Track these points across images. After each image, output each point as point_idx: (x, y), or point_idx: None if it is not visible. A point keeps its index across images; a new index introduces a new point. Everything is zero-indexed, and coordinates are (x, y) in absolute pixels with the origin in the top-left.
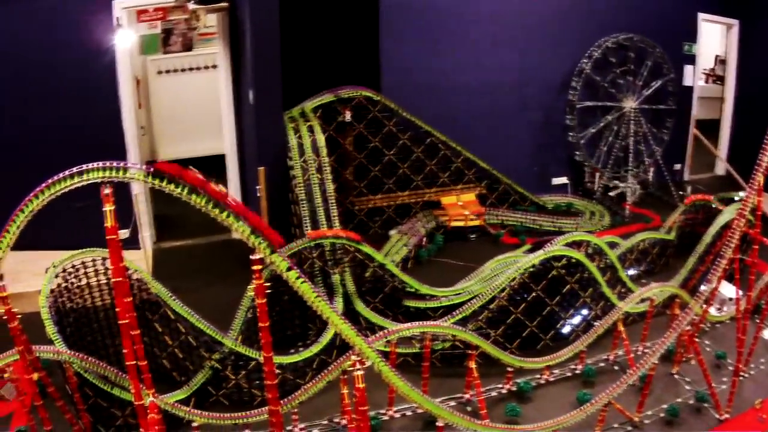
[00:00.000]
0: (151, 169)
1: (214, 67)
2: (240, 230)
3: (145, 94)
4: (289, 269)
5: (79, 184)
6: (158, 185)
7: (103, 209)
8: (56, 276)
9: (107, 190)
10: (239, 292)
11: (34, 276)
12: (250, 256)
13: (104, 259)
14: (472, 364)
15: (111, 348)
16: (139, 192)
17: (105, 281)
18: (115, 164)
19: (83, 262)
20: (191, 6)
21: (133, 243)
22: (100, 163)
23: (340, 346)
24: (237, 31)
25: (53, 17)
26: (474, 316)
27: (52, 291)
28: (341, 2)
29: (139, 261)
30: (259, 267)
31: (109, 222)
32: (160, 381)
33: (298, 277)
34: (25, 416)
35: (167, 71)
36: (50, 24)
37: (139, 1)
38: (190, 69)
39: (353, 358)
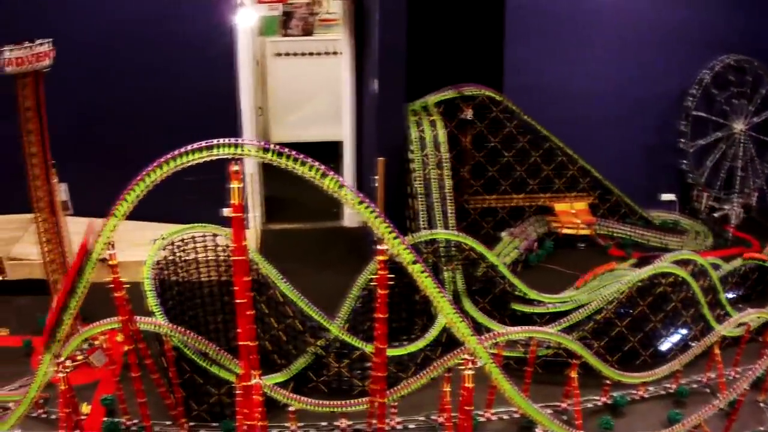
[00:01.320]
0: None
1: (334, 53)
2: (365, 216)
3: (261, 75)
4: (414, 262)
5: (207, 159)
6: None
7: (230, 186)
8: (163, 248)
9: (236, 167)
10: (345, 280)
11: (132, 246)
12: (377, 246)
13: (215, 235)
14: (574, 374)
15: (212, 325)
16: (253, 172)
17: (213, 257)
18: (246, 142)
19: (193, 237)
20: None
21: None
22: (231, 140)
23: (445, 343)
24: (362, 20)
25: None
26: (579, 326)
27: (157, 263)
28: (469, 1)
29: (247, 241)
30: (384, 257)
31: (235, 199)
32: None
33: (422, 271)
34: (113, 385)
35: (285, 54)
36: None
37: None
38: (309, 54)
39: (465, 356)
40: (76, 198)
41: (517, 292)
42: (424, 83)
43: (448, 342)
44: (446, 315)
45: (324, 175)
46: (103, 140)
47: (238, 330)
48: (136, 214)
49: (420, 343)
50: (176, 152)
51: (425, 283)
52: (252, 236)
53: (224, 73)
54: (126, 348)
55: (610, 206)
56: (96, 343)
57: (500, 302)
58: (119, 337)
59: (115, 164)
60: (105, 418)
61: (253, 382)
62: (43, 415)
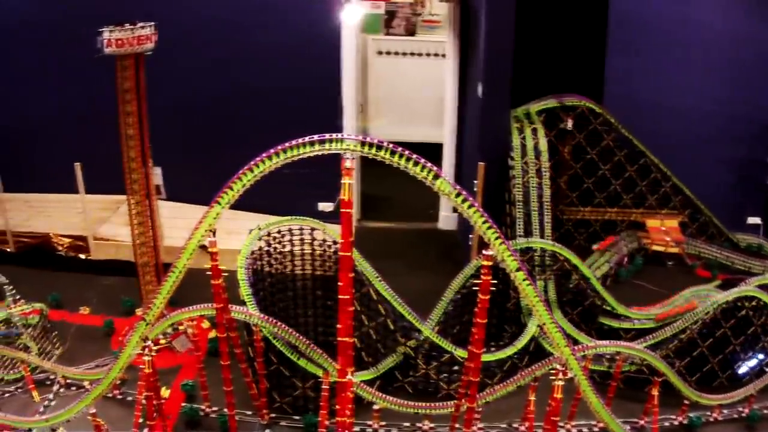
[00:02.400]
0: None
1: (436, 55)
2: (474, 221)
3: (363, 72)
4: (518, 269)
5: (318, 153)
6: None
7: (342, 181)
8: (259, 239)
9: (348, 163)
10: (436, 282)
11: (225, 235)
12: (483, 251)
13: (312, 229)
14: (655, 392)
15: (301, 318)
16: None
17: (309, 251)
18: (360, 138)
19: (290, 229)
20: None
21: (336, 217)
22: (344, 135)
23: (533, 352)
24: (468, 23)
25: None
26: (664, 344)
27: (252, 252)
28: (573, 10)
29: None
30: (489, 263)
31: (346, 195)
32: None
33: (524, 279)
34: (194, 371)
35: (387, 53)
36: None
37: None
38: (411, 54)
39: (557, 367)
40: (168, 183)
41: (605, 306)
42: (525, 90)
43: (535, 351)
44: (545, 324)
45: (436, 177)
46: (200, 128)
47: (338, 326)
48: (232, 204)
49: (509, 351)
50: (287, 144)
51: (527, 291)
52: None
53: (328, 68)
54: (218, 336)
55: (699, 226)
56: (180, 328)
57: (589, 315)
58: (205, 324)
59: (211, 152)
60: (184, 404)
61: (347, 379)
62: (119, 396)
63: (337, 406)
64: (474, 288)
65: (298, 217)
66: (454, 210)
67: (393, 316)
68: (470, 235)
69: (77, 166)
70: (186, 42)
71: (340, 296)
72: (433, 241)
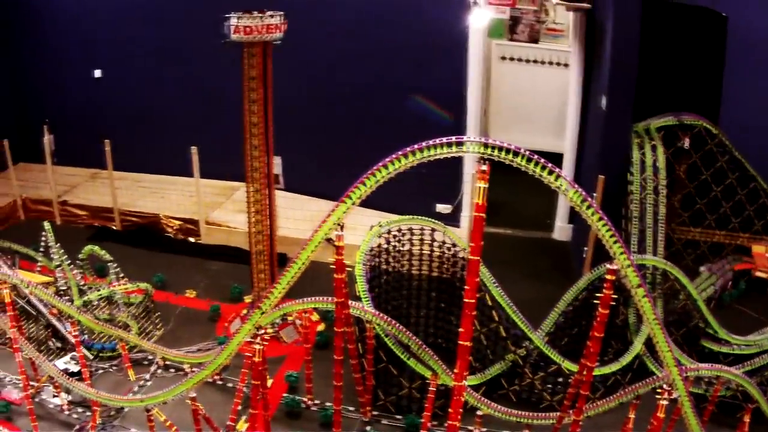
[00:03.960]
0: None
1: (558, 63)
2: (602, 234)
3: (486, 77)
4: (639, 285)
5: (454, 155)
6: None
7: (477, 185)
8: (379, 236)
9: (484, 167)
10: (547, 292)
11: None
12: (607, 265)
13: (433, 230)
14: (747, 418)
15: (413, 318)
16: (474, 173)
17: (427, 252)
18: (498, 143)
19: (410, 228)
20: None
21: (453, 220)
22: (484, 139)
23: (636, 370)
24: (593, 33)
25: None
26: (760, 371)
27: (371, 249)
28: (694, 29)
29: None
30: (612, 278)
31: (479, 199)
32: (450, 361)
33: (644, 295)
34: (299, 363)
35: (510, 58)
36: None
37: None
38: (534, 61)
39: (664, 386)
40: (286, 173)
41: (708, 329)
42: (644, 105)
43: (638, 369)
44: (658, 343)
45: (569, 188)
46: (323, 121)
47: (460, 329)
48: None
49: (613, 366)
50: (423, 144)
51: (645, 307)
52: (464, 235)
53: (453, 70)
54: (335, 330)
55: None
56: (289, 318)
57: (692, 337)
58: (314, 317)
59: (330, 146)
60: (285, 395)
61: (463, 383)
62: (219, 382)
63: (450, 410)
64: (594, 301)
65: (419, 217)
66: (570, 221)
67: (506, 323)
68: (584, 248)
69: (193, 149)
70: (313, 34)
71: (465, 300)
72: (546, 250)
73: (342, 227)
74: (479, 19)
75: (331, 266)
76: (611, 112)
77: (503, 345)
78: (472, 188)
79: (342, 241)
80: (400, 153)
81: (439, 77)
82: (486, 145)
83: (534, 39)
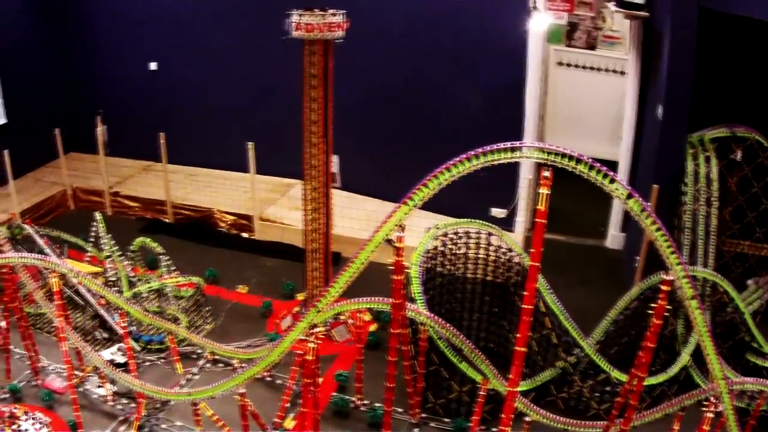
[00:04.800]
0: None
1: (614, 71)
2: (659, 244)
3: (543, 82)
4: (693, 297)
5: (514, 159)
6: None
7: (540, 191)
8: (435, 238)
9: (547, 173)
10: (597, 300)
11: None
12: (663, 276)
13: (489, 234)
14: None
15: (465, 321)
16: (530, 177)
17: (483, 256)
18: (561, 149)
19: (467, 232)
20: (610, 7)
21: (507, 225)
22: (546, 145)
23: (682, 381)
24: (650, 42)
25: None
26: None
27: (427, 251)
28: (749, 41)
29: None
30: (668, 288)
31: (541, 205)
32: (500, 366)
33: (697, 307)
34: (350, 362)
35: (568, 64)
36: None
37: None
38: (591, 68)
39: (711, 399)
40: (343, 172)
41: (753, 344)
42: (697, 116)
43: (684, 381)
44: (708, 355)
45: (629, 197)
46: (380, 122)
47: (516, 335)
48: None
49: (660, 377)
50: (488, 147)
51: (698, 319)
52: (518, 240)
53: (513, 74)
54: (391, 331)
55: None
56: (341, 317)
57: (736, 350)
58: (367, 317)
59: (388, 147)
60: (334, 393)
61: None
62: (268, 379)
63: (502, 415)
64: (648, 311)
65: (476, 221)
66: (623, 230)
67: (558, 330)
68: (636, 257)
69: (250, 145)
70: (373, 34)
71: (523, 305)
72: (598, 258)
73: (403, 228)
74: (539, 24)
75: (389, 267)
76: (667, 121)
77: (554, 352)
78: (527, 193)
79: (402, 242)
80: (463, 156)
81: (498, 82)
82: (549, 152)
83: (591, 45)
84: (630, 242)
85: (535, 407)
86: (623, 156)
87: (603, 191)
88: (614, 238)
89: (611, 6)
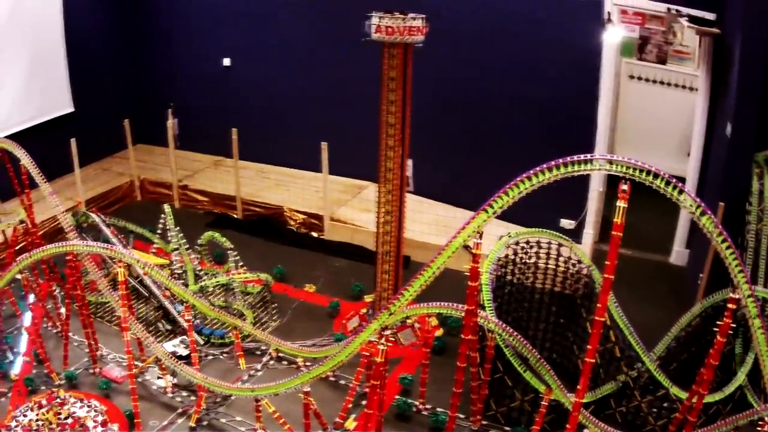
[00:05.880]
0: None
1: (683, 86)
2: (728, 262)
3: (615, 95)
4: (757, 316)
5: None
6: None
7: (617, 204)
8: (507, 246)
9: (625, 186)
10: (660, 315)
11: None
12: (731, 294)
13: (560, 245)
14: None
15: (531, 331)
16: (602, 190)
17: (553, 266)
18: (640, 164)
19: (538, 242)
20: (682, 22)
21: (575, 236)
22: (630, 159)
23: (737, 400)
24: (721, 59)
25: None
26: None
27: (498, 259)
28: None
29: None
30: (734, 306)
31: (618, 218)
32: (563, 377)
33: (759, 327)
34: (414, 366)
35: (639, 78)
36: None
37: (632, 1)
38: (661, 83)
39: (766, 419)
40: (415, 176)
41: None
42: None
43: (739, 400)
44: (766, 375)
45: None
46: (454, 128)
47: (588, 346)
48: (473, 206)
49: (717, 396)
50: (569, 158)
51: (759, 339)
52: (586, 253)
53: (585, 86)
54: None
55: None
56: (408, 321)
57: None
58: (434, 322)
59: (460, 153)
60: (398, 396)
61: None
62: (332, 379)
63: (567, 426)
64: (713, 329)
65: (547, 231)
66: (687, 246)
67: (622, 343)
68: (700, 275)
69: (323, 145)
70: (451, 41)
71: (595, 317)
72: (662, 274)
73: (481, 235)
74: (613, 36)
75: (464, 273)
76: (735, 140)
77: (616, 365)
78: (597, 206)
79: (480, 249)
80: (544, 166)
81: (570, 92)
82: (628, 165)
83: (662, 60)
84: (694, 259)
85: (595, 420)
86: (691, 172)
87: (667, 206)
88: (678, 254)
89: (683, 21)
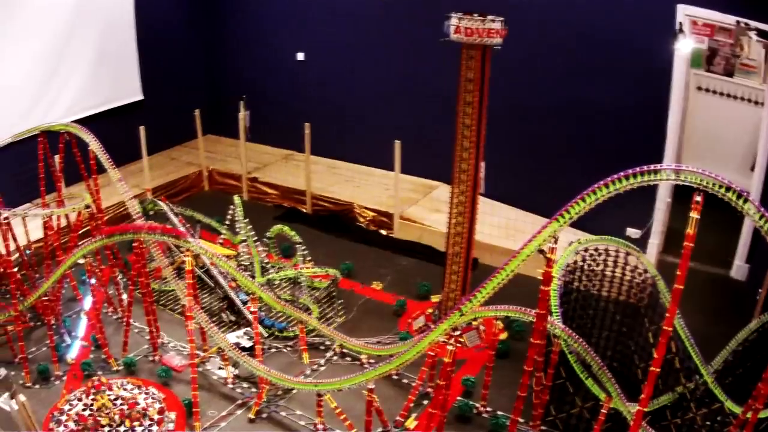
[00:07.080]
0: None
1: (749, 100)
2: None
3: (684, 105)
4: None
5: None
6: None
7: (690, 215)
8: (575, 252)
9: (699, 197)
10: (718, 329)
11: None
12: None
13: (627, 254)
14: None
15: (594, 338)
16: (668, 201)
17: (619, 275)
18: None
19: (606, 249)
20: (750, 35)
21: (641, 245)
22: (701, 170)
23: None
24: None
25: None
26: None
27: (567, 265)
28: None
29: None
30: None
31: (691, 229)
32: (623, 386)
33: None
34: (476, 368)
35: (706, 89)
36: (614, 7)
37: (702, 13)
38: (728, 95)
39: None
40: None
41: None
42: None
43: None
44: None
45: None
46: (526, 132)
47: (654, 355)
48: (541, 210)
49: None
50: (645, 167)
51: None
52: (652, 262)
53: (656, 95)
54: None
55: None
56: (474, 323)
57: None
58: (500, 325)
59: (533, 158)
60: (459, 398)
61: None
62: (395, 377)
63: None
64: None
65: (615, 239)
66: (748, 261)
67: (682, 355)
68: (759, 290)
69: (396, 143)
70: (527, 46)
71: (664, 327)
72: (722, 287)
73: (556, 240)
74: (684, 47)
75: (530, 277)
76: None
77: (675, 376)
78: (660, 217)
79: (554, 254)
80: (621, 174)
81: (641, 101)
82: (702, 177)
83: (729, 72)
84: (754, 274)
85: (652, 430)
86: (755, 187)
87: (730, 219)
88: (739, 268)
89: (751, 35)
